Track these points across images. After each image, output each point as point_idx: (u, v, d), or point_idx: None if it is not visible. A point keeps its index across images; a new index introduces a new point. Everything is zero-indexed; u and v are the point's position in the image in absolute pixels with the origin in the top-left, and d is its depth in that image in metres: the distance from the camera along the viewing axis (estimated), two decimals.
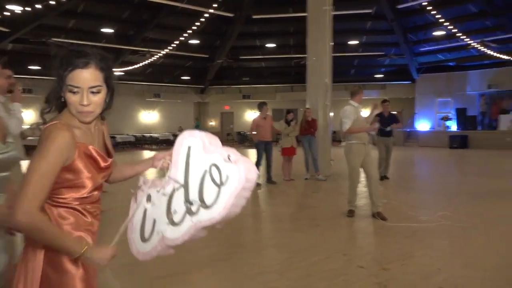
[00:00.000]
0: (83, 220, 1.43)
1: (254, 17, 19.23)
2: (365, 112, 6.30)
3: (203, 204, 1.34)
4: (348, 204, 5.62)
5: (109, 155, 1.53)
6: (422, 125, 21.67)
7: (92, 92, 1.37)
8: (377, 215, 5.32)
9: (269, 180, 8.56)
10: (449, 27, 17.43)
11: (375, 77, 23.87)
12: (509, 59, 18.37)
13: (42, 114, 1.45)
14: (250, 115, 25.50)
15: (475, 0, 16.64)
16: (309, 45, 10.17)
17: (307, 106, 9.73)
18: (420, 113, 21.83)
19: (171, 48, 19.64)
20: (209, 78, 24.93)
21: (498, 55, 18.25)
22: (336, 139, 11.78)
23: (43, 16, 16.09)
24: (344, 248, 4.22)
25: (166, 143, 20.83)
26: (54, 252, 1.36)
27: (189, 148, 1.41)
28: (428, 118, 21.64)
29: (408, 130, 20.69)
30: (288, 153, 8.96)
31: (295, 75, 23.73)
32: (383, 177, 8.36)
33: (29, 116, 18.94)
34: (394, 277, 3.35)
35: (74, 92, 1.35)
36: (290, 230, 4.97)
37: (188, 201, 1.38)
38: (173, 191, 1.43)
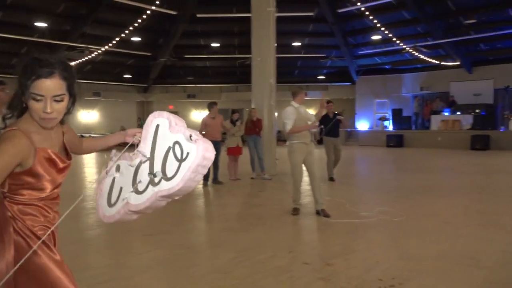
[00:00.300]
0: (45, 215, 1.51)
1: (198, 15, 19.03)
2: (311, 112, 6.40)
3: (164, 176, 1.50)
4: (293, 203, 5.73)
5: (68, 156, 1.61)
6: (362, 125, 22.67)
7: (56, 100, 1.43)
8: (321, 212, 5.47)
9: (215, 180, 8.51)
10: (385, 32, 18.39)
11: (318, 78, 24.61)
12: (439, 63, 19.77)
13: (4, 119, 1.48)
14: (196, 114, 25.23)
15: (408, 7, 17.68)
16: (254, 46, 10.25)
17: (252, 106, 9.80)
18: (360, 113, 22.84)
19: (111, 45, 18.90)
20: (152, 77, 24.32)
21: (428, 59, 19.56)
22: (281, 138, 11.98)
23: None
24: (289, 245, 4.28)
25: None
26: (25, 243, 1.43)
27: (157, 126, 1.57)
28: (367, 118, 22.69)
29: (349, 130, 21.54)
30: (234, 152, 8.96)
31: (240, 75, 23.82)
32: (331, 179, 8.50)
33: None
34: (337, 272, 3.46)
35: (37, 100, 1.41)
36: (236, 230, 4.97)
37: (152, 173, 1.53)
38: (140, 163, 1.58)
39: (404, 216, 5.34)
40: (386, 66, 22.56)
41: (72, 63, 19.72)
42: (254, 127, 9.07)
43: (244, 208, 6.48)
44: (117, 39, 18.60)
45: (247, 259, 3.80)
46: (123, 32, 18.31)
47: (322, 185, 6.01)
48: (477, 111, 17.76)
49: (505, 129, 17.15)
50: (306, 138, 5.55)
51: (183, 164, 1.46)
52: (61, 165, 1.53)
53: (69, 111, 1.54)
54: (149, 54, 22.11)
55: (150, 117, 1.62)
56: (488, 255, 3.82)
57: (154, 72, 23.84)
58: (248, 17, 10.68)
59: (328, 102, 8.61)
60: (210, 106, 8.50)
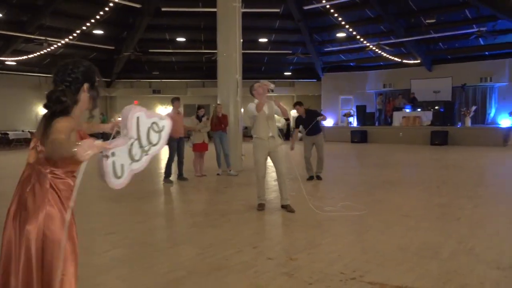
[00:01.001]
0: (70, 187, 2.04)
1: (163, 9, 18.67)
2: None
3: (151, 144, 2.23)
4: (258, 198, 5.75)
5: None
6: (327, 121, 23.02)
7: None
8: (286, 208, 5.52)
9: (180, 176, 8.41)
10: (349, 30, 18.73)
11: (285, 74, 24.75)
12: (401, 61, 20.36)
13: (67, 111, 2.04)
14: (161, 110, 24.80)
15: (372, 6, 18.08)
16: (220, 41, 10.17)
17: (218, 102, 9.74)
18: (325, 109, 23.19)
19: (71, 37, 18.22)
20: (116, 72, 23.67)
21: (391, 57, 20.11)
22: (247, 134, 11.99)
23: None
24: (254, 241, 4.30)
25: None
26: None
27: (137, 117, 2.19)
28: (332, 114, 23.08)
29: None
30: (200, 149, 8.88)
31: (206, 70, 23.60)
32: (317, 177, 8.25)
33: None
34: (300, 266, 3.50)
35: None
36: (201, 226, 4.93)
37: (142, 147, 2.20)
38: (132, 143, 2.18)
39: (366, 210, 5.48)
40: (351, 63, 23.00)
41: (30, 56, 18.84)
42: (220, 123, 9.03)
43: (210, 204, 6.45)
44: (78, 31, 17.95)
45: (212, 255, 3.78)
46: (85, 25, 17.69)
47: (288, 181, 6.07)
48: (436, 107, 18.44)
49: (462, 125, 17.92)
50: (264, 134, 5.55)
51: (162, 133, 2.26)
52: None
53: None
54: (112, 48, 21.50)
55: (131, 113, 2.19)
56: (444, 247, 3.98)
57: (118, 67, 23.21)
58: (214, 12, 10.58)
59: (296, 104, 8.39)
60: (173, 101, 8.42)
